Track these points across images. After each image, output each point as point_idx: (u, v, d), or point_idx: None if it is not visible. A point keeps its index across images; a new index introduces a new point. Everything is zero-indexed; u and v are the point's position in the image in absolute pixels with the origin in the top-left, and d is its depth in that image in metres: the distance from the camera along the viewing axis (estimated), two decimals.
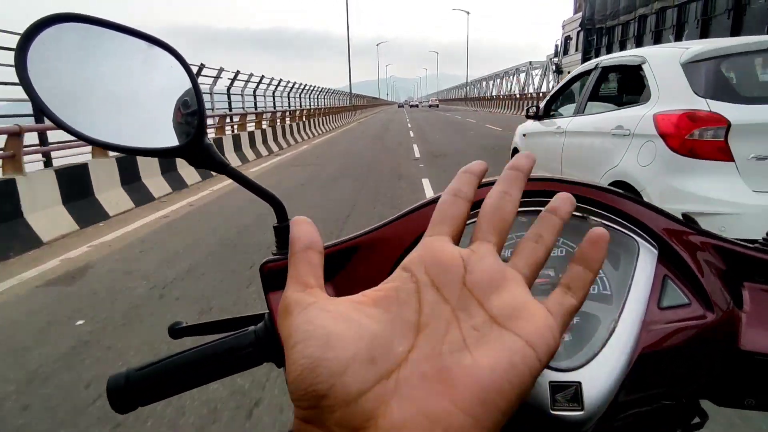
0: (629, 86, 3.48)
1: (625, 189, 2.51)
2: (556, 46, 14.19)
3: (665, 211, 0.44)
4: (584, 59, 11.18)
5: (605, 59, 3.58)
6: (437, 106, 76.41)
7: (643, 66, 2.89)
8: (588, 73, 3.68)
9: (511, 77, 46.33)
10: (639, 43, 9.10)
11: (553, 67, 15.14)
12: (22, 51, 0.36)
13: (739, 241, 0.45)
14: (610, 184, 1.30)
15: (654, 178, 2.54)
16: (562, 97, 4.31)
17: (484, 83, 67.21)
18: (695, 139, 2.34)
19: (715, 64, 2.50)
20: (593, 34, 11.12)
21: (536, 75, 34.20)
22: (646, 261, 0.41)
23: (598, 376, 0.35)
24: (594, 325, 0.37)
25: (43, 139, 5.93)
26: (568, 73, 12.18)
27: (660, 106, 2.60)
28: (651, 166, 2.56)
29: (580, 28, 11.98)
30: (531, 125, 4.59)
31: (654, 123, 2.54)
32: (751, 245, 0.45)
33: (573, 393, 0.34)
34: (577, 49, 12.59)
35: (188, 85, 0.42)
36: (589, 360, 0.35)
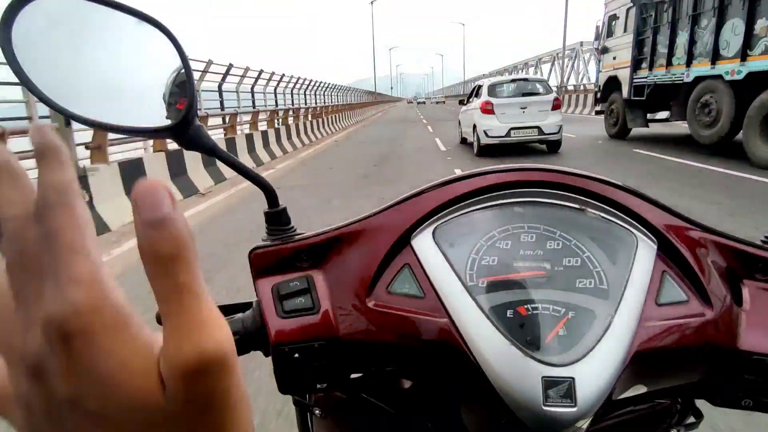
0: (478, 91, 9.68)
1: (474, 130, 9.40)
2: (597, 27, 12.23)
3: (666, 206, 0.44)
4: (638, 42, 9.94)
5: (479, 81, 10.16)
6: (444, 102, 79.78)
7: (481, 86, 9.70)
8: (475, 86, 10.23)
9: (543, 66, 38.23)
10: (721, 18, 7.45)
11: (592, 52, 13.47)
12: (6, 25, 0.34)
13: (740, 238, 0.44)
14: (473, 126, 9.35)
15: (478, 121, 9.13)
16: (472, 95, 10.27)
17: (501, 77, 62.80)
18: (486, 108, 8.97)
19: (493, 86, 9.37)
20: (650, 10, 9.52)
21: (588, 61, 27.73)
22: (645, 256, 0.40)
23: (593, 372, 0.34)
24: (589, 320, 0.37)
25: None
26: (614, 58, 11.41)
27: (481, 99, 9.25)
28: (477, 118, 9.20)
29: (631, 5, 10.23)
30: (462, 107, 10.92)
31: (479, 104, 9.17)
32: (752, 242, 0.44)
33: (566, 389, 0.34)
34: (626, 30, 10.68)
35: (179, 63, 0.41)
36: (584, 356, 0.35)
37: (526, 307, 0.37)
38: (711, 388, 0.42)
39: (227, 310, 0.46)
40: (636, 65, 10.22)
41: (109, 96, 0.41)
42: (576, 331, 0.36)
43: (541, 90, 9.11)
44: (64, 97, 0.37)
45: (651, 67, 9.73)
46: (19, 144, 4.82)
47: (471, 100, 10.15)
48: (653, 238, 0.42)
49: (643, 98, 9.98)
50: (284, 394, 0.44)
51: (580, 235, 0.42)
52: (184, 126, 0.41)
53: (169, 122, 0.42)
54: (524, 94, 9.01)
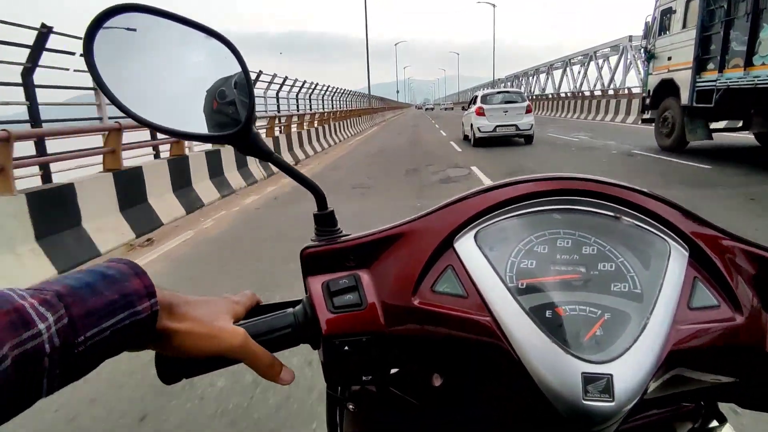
0: (475, 100, 13.37)
1: (471, 128, 13.22)
2: (647, 23, 10.41)
3: (697, 215, 0.45)
4: (703, 39, 8.21)
5: (476, 92, 13.97)
6: (452, 108, 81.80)
7: (477, 96, 13.48)
8: (473, 96, 13.89)
9: (570, 68, 32.45)
10: None
11: (641, 52, 11.35)
12: (90, 37, 0.38)
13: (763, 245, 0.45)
14: (471, 125, 13.44)
15: (474, 121, 12.81)
16: (471, 103, 13.80)
17: (509, 83, 61.19)
18: (479, 111, 12.68)
19: (485, 96, 13.32)
20: (720, 0, 7.83)
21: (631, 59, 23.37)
22: (677, 262, 0.41)
23: (629, 370, 0.35)
24: (625, 322, 0.38)
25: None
26: (669, 59, 9.44)
27: (476, 105, 12.92)
28: (473, 119, 12.90)
29: None
30: (464, 112, 15.02)
31: (474, 109, 12.92)
32: None
33: (605, 384, 0.35)
34: (685, 25, 8.99)
35: (241, 76, 0.44)
36: (621, 354, 0.36)
37: (563, 308, 0.38)
38: (740, 391, 0.43)
39: (277, 306, 0.48)
40: (700, 66, 8.36)
41: (177, 104, 0.44)
42: (612, 331, 0.37)
43: (518, 99, 13.14)
44: (137, 104, 0.41)
45: (721, 69, 7.87)
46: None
47: (470, 106, 13.99)
48: (685, 245, 0.43)
49: (710, 105, 8.21)
50: (331, 384, 0.48)
51: (615, 241, 0.43)
52: (245, 133, 0.44)
53: (230, 130, 0.44)
54: (506, 102, 12.91)
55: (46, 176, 5.27)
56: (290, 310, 0.45)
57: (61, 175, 5.32)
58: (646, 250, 0.42)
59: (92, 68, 0.38)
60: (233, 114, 0.44)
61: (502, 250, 0.42)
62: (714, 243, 0.43)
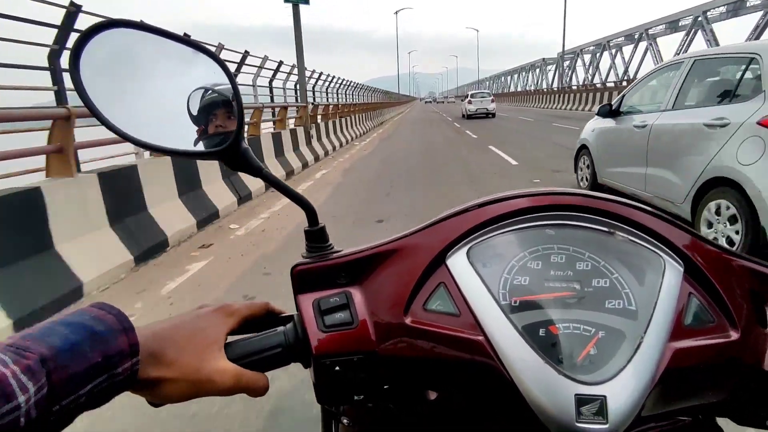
0: (467, 95, 28.10)
1: (465, 109, 26.86)
2: None
3: (691, 229, 0.45)
4: None
5: (468, 91, 30.32)
6: (453, 101, 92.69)
7: (468, 93, 28.64)
8: (467, 93, 29.55)
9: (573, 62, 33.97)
10: None
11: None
12: (76, 54, 0.38)
13: (764, 262, 0.45)
14: (465, 108, 27.33)
15: (466, 106, 26.99)
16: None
17: (508, 77, 64.65)
18: (468, 101, 27.42)
19: (472, 94, 28.28)
20: None
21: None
22: (672, 278, 0.41)
23: (624, 390, 0.35)
24: (619, 340, 0.38)
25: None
26: None
27: (468, 98, 27.59)
28: (466, 105, 27.17)
29: None
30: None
31: (467, 100, 27.49)
32: None
33: (598, 406, 0.35)
34: None
35: (229, 90, 0.44)
36: (615, 375, 0.36)
37: (557, 326, 0.38)
38: (736, 408, 0.43)
39: (268, 324, 0.47)
40: None
41: (164, 120, 0.44)
42: (606, 350, 0.37)
43: (487, 95, 26.50)
44: (124, 122, 0.41)
45: None
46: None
47: (464, 99, 27.42)
48: (680, 261, 0.43)
49: None
50: (322, 404, 0.48)
51: (609, 256, 0.42)
52: (232, 149, 0.44)
53: (219, 146, 0.44)
54: (482, 97, 26.32)
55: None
56: (280, 328, 0.45)
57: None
58: (640, 266, 0.42)
59: (78, 86, 0.38)
60: (222, 129, 0.44)
61: (495, 266, 0.42)
62: (709, 258, 0.43)
